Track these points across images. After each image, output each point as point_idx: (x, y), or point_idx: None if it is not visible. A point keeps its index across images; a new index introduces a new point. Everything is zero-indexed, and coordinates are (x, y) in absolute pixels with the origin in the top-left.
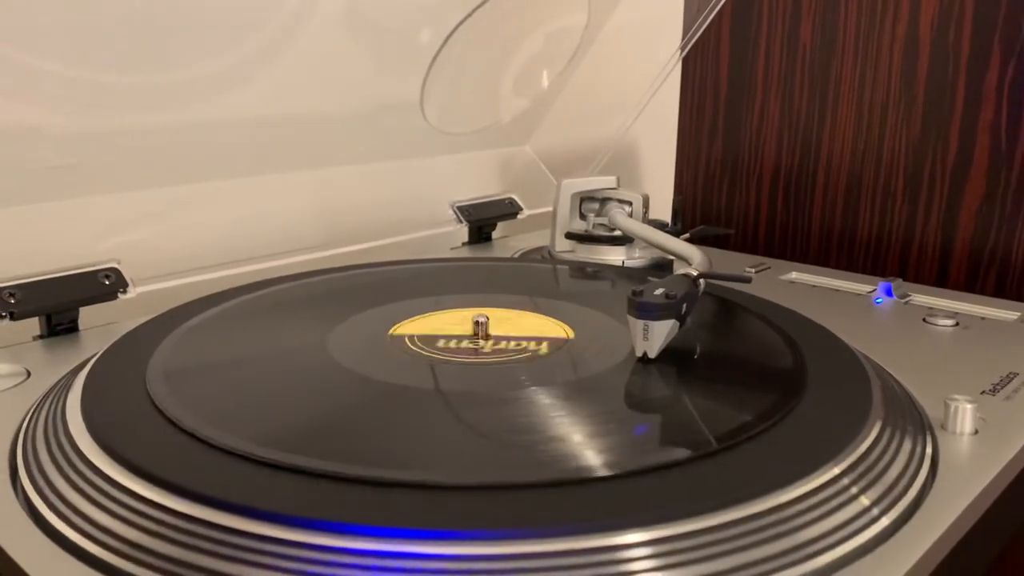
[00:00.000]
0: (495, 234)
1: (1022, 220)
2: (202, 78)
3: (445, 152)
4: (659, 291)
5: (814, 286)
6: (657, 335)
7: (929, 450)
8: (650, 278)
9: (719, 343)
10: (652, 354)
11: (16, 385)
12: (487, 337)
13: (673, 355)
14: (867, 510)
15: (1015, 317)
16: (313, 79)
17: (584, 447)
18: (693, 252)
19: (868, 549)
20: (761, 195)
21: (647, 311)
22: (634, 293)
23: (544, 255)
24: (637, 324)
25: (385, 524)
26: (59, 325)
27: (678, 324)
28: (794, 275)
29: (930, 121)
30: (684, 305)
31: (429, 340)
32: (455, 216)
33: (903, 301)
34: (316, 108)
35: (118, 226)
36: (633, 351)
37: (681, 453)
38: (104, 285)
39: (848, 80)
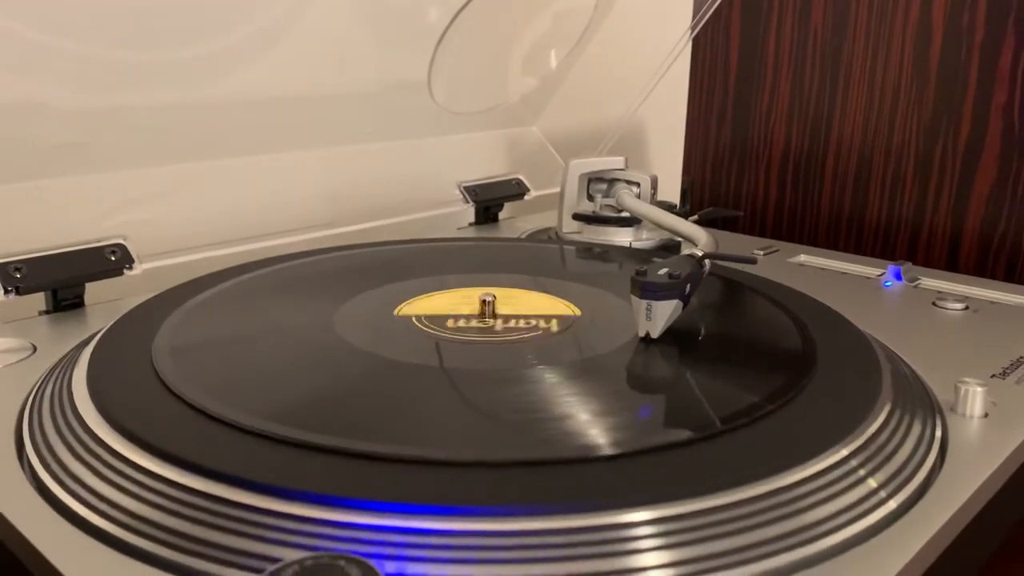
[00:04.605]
0: (502, 214)
1: None
2: (210, 56)
3: (452, 132)
4: (663, 271)
5: (823, 269)
6: (660, 315)
7: (938, 433)
8: (654, 259)
9: (727, 324)
10: (655, 334)
11: (22, 360)
12: (494, 316)
13: (681, 336)
14: (875, 492)
15: None
16: (320, 58)
17: (590, 426)
18: (699, 233)
19: (876, 531)
20: (770, 177)
21: (650, 291)
22: (637, 273)
23: (551, 236)
24: (640, 304)
25: (390, 499)
26: (65, 300)
27: (681, 304)
28: (803, 258)
29: (942, 104)
30: (688, 285)
31: (436, 319)
32: (462, 196)
33: (913, 285)
34: (323, 87)
35: (125, 203)
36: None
37: (688, 433)
38: (110, 261)
39: (859, 62)
